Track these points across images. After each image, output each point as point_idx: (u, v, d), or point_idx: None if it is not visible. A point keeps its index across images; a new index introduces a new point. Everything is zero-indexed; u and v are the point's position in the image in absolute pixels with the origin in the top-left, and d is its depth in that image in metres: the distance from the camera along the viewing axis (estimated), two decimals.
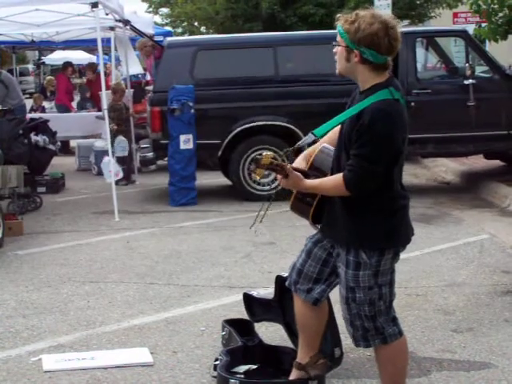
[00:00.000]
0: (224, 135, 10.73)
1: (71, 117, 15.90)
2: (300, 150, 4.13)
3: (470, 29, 13.22)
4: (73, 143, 15.92)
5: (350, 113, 3.83)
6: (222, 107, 10.82)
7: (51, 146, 11.49)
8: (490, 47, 15.81)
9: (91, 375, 4.94)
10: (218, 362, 4.75)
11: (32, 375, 4.97)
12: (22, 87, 21.41)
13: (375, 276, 3.94)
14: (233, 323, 5.24)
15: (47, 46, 21.80)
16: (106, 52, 16.59)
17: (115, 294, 6.65)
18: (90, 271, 7.39)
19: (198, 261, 7.69)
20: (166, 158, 11.19)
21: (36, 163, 10.97)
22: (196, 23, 31.20)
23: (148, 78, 14.17)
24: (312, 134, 3.98)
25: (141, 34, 13.16)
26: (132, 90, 13.32)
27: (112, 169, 10.27)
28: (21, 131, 10.52)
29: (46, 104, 18.36)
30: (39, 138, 11.20)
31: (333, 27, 3.98)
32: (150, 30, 14.82)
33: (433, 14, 25.33)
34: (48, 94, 20.41)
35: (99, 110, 14.22)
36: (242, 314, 5.42)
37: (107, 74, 17.24)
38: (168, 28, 27.64)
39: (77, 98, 19.05)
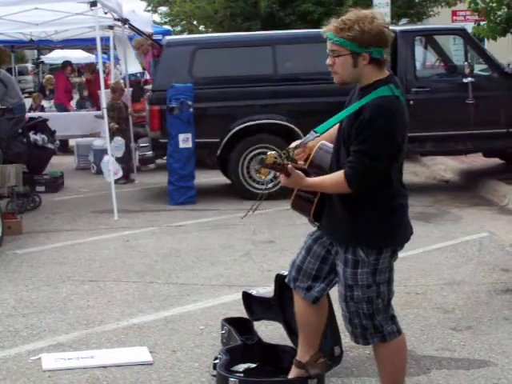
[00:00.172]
0: (223, 134, 10.73)
1: (70, 116, 15.91)
2: None
3: (469, 27, 13.23)
4: (72, 142, 15.91)
5: (351, 109, 3.82)
6: (221, 106, 10.82)
7: (50, 145, 11.51)
8: (489, 45, 15.83)
9: (90, 374, 4.95)
10: (217, 361, 4.75)
11: (31, 374, 4.97)
12: (21, 86, 21.36)
13: (373, 274, 3.94)
14: (232, 322, 5.24)
15: (46, 45, 21.79)
16: (105, 51, 16.58)
17: (114, 292, 6.65)
18: (90, 270, 7.39)
19: (198, 259, 7.69)
20: (164, 157, 11.20)
21: (35, 162, 10.97)
22: (195, 22, 31.16)
23: (147, 76, 14.17)
24: (314, 131, 3.97)
25: (139, 32, 13.15)
26: (131, 88, 13.32)
27: (111, 168, 10.27)
28: (20, 130, 10.52)
29: (45, 103, 18.36)
30: (38, 137, 11.21)
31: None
32: (148, 29, 14.81)
33: (431, 13, 25.32)
34: (47, 92, 20.42)
35: (98, 108, 14.22)
36: (241, 312, 5.43)
37: (106, 73, 17.25)
38: (167, 27, 27.60)
39: (76, 96, 19.06)
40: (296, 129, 10.56)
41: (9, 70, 18.66)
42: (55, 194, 11.52)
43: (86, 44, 19.61)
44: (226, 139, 10.74)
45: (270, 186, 10.01)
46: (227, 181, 11.52)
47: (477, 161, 12.84)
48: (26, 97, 16.65)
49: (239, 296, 5.42)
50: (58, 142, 12.55)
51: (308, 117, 10.27)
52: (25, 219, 9.31)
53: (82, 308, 6.25)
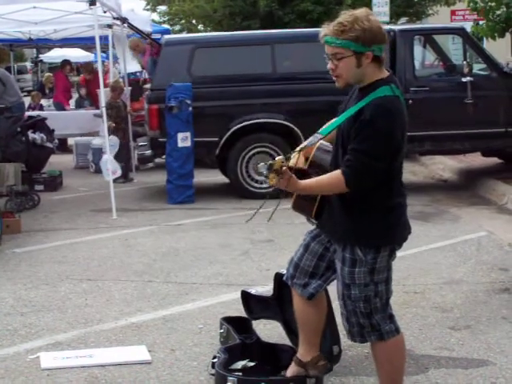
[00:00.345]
0: (222, 133, 10.73)
1: (69, 115, 15.90)
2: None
3: (468, 26, 13.25)
4: (70, 141, 15.92)
5: (353, 110, 3.82)
6: (220, 105, 10.82)
7: (49, 144, 11.51)
8: (488, 45, 15.82)
9: (89, 373, 4.94)
10: (216, 360, 4.75)
11: (30, 373, 4.97)
12: (20, 85, 21.38)
13: (371, 273, 3.94)
14: (231, 321, 5.24)
15: (45, 44, 21.77)
16: (104, 50, 16.57)
17: (113, 291, 6.65)
18: (88, 269, 7.39)
19: (196, 258, 7.69)
20: (163, 156, 11.19)
21: (34, 161, 10.98)
22: (194, 21, 31.19)
23: (145, 75, 14.16)
24: (318, 133, 3.96)
25: (138, 31, 13.14)
26: (130, 87, 13.32)
27: (110, 167, 10.27)
28: (18, 129, 10.52)
29: (43, 102, 18.35)
30: (37, 136, 11.21)
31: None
32: (147, 28, 14.80)
33: (430, 12, 25.34)
34: (47, 90, 20.41)
35: (97, 107, 14.22)
36: (239, 311, 5.43)
37: (105, 72, 17.23)
38: (166, 26, 27.62)
39: (75, 95, 19.04)
40: (295, 128, 10.57)
41: (8, 69, 18.65)
42: (54, 193, 11.52)
43: (85, 43, 19.58)
44: (224, 138, 10.74)
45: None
46: (226, 180, 11.52)
47: (475, 160, 12.85)
48: (24, 95, 16.64)
49: (238, 295, 5.42)
50: (56, 140, 12.54)
51: (307, 116, 10.29)
52: (23, 218, 9.30)
53: (80, 307, 6.25)
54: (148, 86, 11.96)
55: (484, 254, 7.63)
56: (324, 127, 4.14)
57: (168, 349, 5.32)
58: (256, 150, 10.85)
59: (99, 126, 13.47)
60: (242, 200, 10.63)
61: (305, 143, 4.03)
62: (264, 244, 8.16)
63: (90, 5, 9.93)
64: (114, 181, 10.40)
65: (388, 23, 18.19)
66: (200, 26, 31.38)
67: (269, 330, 5.49)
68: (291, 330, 4.92)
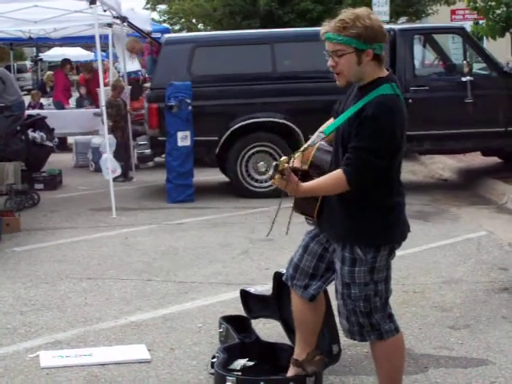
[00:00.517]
0: (221, 132, 10.73)
1: (69, 113, 15.89)
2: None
3: (468, 26, 13.25)
4: (70, 140, 15.92)
5: (354, 108, 3.81)
6: (220, 104, 10.82)
7: (49, 143, 11.51)
8: (488, 44, 15.82)
9: (88, 372, 4.94)
10: (215, 359, 4.75)
11: (29, 372, 4.97)
12: (20, 84, 21.36)
13: (371, 272, 3.94)
14: (230, 320, 5.24)
15: (45, 43, 21.78)
16: (104, 49, 16.57)
17: (112, 290, 6.65)
18: (88, 268, 7.39)
19: (196, 257, 7.69)
20: (163, 155, 11.19)
21: (33, 160, 10.98)
22: (194, 20, 31.20)
23: (144, 74, 14.15)
24: (321, 133, 3.96)
25: (138, 30, 13.15)
26: (130, 86, 13.31)
27: (110, 166, 10.27)
28: (18, 128, 10.52)
29: (43, 101, 18.35)
30: (37, 135, 11.21)
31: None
32: (147, 27, 14.80)
33: (430, 11, 25.35)
34: (48, 89, 20.40)
35: (97, 106, 14.22)
36: (239, 310, 5.43)
37: (104, 71, 17.22)
38: (166, 25, 27.63)
39: (75, 94, 19.04)
40: (294, 127, 10.57)
41: (7, 68, 18.66)
42: (54, 192, 11.52)
43: (85, 42, 19.60)
44: (224, 137, 10.74)
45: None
46: (226, 179, 11.53)
47: (475, 159, 12.85)
48: (24, 94, 16.62)
49: (237, 294, 5.42)
50: (56, 139, 12.54)
51: (306, 115, 10.28)
52: (23, 217, 9.30)
53: (80, 306, 6.25)
54: (148, 84, 11.97)
55: (484, 254, 7.63)
56: (324, 126, 4.14)
57: (167, 348, 5.32)
58: (256, 149, 10.86)
59: (99, 125, 13.47)
60: (241, 199, 10.64)
61: (308, 143, 4.02)
62: (263, 243, 8.16)
63: (90, 3, 9.93)
64: (114, 180, 10.40)
65: (388, 22, 18.20)
66: (200, 25, 31.38)
67: (268, 329, 5.49)
68: (290, 329, 4.91)
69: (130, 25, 12.71)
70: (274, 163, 3.67)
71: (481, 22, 13.53)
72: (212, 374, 4.70)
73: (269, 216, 9.14)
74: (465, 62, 10.80)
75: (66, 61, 18.29)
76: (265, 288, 5.73)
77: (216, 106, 10.83)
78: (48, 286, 6.82)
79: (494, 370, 4.86)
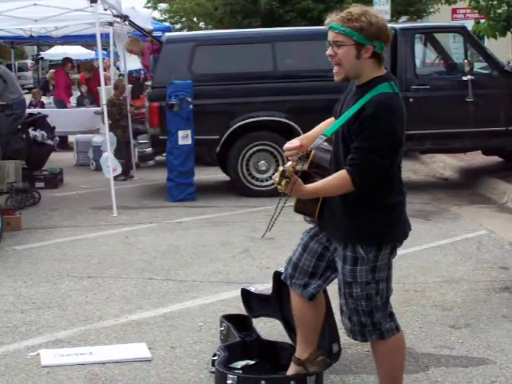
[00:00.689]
0: (222, 131, 10.72)
1: (70, 112, 15.90)
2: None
3: (469, 25, 13.24)
4: (71, 138, 15.92)
5: (355, 108, 3.81)
6: (221, 103, 10.82)
7: (49, 141, 11.50)
8: (489, 43, 15.83)
9: (89, 370, 4.95)
10: (216, 358, 4.75)
11: (30, 370, 4.97)
12: (21, 82, 21.34)
13: (372, 271, 3.94)
14: (231, 319, 5.24)
15: (46, 41, 21.76)
16: (105, 47, 16.58)
17: (113, 289, 6.65)
18: (88, 266, 7.40)
19: (196, 256, 7.70)
20: (164, 154, 11.19)
21: (34, 158, 10.97)
22: (195, 19, 31.17)
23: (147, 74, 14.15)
24: (323, 135, 3.94)
25: (139, 29, 13.15)
26: (130, 85, 13.31)
27: (110, 164, 10.27)
28: (19, 126, 10.51)
29: (44, 99, 18.35)
30: (37, 133, 11.20)
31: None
32: (148, 26, 14.80)
33: (431, 10, 25.33)
34: (51, 87, 20.40)
35: (98, 105, 14.22)
36: (240, 309, 5.43)
37: (104, 69, 17.23)
38: (167, 23, 27.61)
39: (76, 93, 19.05)
40: (295, 126, 10.56)
41: (8, 66, 18.65)
42: (54, 191, 11.52)
43: (86, 40, 19.59)
44: (225, 136, 10.74)
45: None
46: (226, 178, 11.53)
47: (476, 159, 12.84)
48: (25, 93, 16.64)
49: (238, 293, 5.42)
50: (57, 138, 12.54)
51: (307, 114, 10.28)
52: (24, 215, 9.30)
53: (80, 304, 6.25)
54: (149, 83, 11.97)
55: (484, 253, 7.63)
56: (322, 126, 4.15)
57: (168, 346, 5.33)
58: (257, 148, 10.86)
59: (100, 124, 13.48)
60: (242, 198, 10.64)
61: (311, 146, 3.99)
62: (264, 242, 8.16)
63: (91, 2, 9.93)
64: (115, 178, 10.41)
65: (389, 21, 18.18)
66: (201, 24, 31.36)
67: (269, 328, 5.50)
68: (291, 327, 4.92)
69: (131, 23, 12.70)
70: (281, 169, 3.65)
71: (482, 21, 13.53)
72: (213, 372, 4.70)
73: (269, 215, 9.14)
74: (466, 61, 10.79)
75: (67, 59, 18.28)
76: (265, 287, 5.74)
77: (217, 104, 10.83)
78: (49, 284, 6.83)
79: (494, 369, 4.86)
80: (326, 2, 22.57)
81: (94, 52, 27.90)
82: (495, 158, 12.50)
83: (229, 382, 4.42)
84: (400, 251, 4.10)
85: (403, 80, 10.49)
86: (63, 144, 15.76)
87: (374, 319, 4.01)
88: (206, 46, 11.05)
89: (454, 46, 14.06)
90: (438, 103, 10.75)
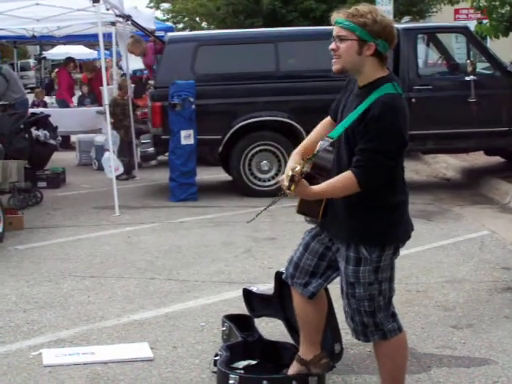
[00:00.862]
0: (225, 131, 10.73)
1: (72, 112, 15.92)
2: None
3: (472, 25, 13.23)
4: (73, 138, 15.92)
5: (360, 109, 3.81)
6: (223, 103, 10.82)
7: (52, 141, 11.51)
8: (491, 44, 15.81)
9: (91, 370, 4.95)
10: (218, 358, 4.75)
11: (32, 369, 4.97)
12: (23, 82, 21.39)
13: (375, 272, 3.94)
14: (233, 318, 5.24)
15: (48, 41, 21.79)
16: (107, 47, 16.59)
17: (115, 288, 6.66)
18: (91, 266, 7.40)
19: (199, 256, 7.70)
20: (166, 154, 11.19)
21: (37, 158, 10.98)
22: (197, 19, 31.18)
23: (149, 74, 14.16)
24: (328, 137, 3.93)
25: (142, 29, 13.15)
26: (133, 85, 13.31)
27: (112, 164, 10.27)
28: (22, 126, 10.52)
29: (47, 99, 18.35)
30: (40, 133, 11.21)
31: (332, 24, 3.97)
32: (151, 26, 14.80)
33: (434, 9, 25.32)
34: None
35: (101, 105, 14.22)
36: (242, 309, 5.42)
37: (106, 69, 17.24)
38: (169, 23, 27.61)
39: (78, 93, 19.06)
40: (298, 126, 10.56)
41: (11, 66, 18.68)
42: (57, 190, 11.53)
43: (88, 40, 19.61)
44: (227, 136, 10.74)
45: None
46: (229, 178, 11.52)
47: (478, 159, 12.84)
48: (28, 92, 16.64)
49: (240, 293, 5.41)
50: (59, 137, 12.55)
51: (310, 114, 10.23)
52: (26, 215, 9.31)
53: (82, 304, 6.26)
54: (152, 82, 11.97)
55: (487, 253, 7.63)
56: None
57: (170, 346, 5.33)
58: (259, 148, 10.86)
59: (102, 123, 13.48)
60: (244, 198, 10.64)
61: (317, 148, 3.97)
62: (266, 242, 8.16)
63: (94, 2, 9.93)
64: (117, 178, 10.41)
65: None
66: (203, 24, 31.37)
67: (271, 328, 5.49)
68: (293, 327, 4.92)
69: (134, 23, 12.71)
70: (290, 173, 3.64)
71: (484, 21, 13.50)
72: (215, 372, 4.70)
73: (272, 215, 9.15)
74: (468, 61, 10.79)
75: (70, 59, 18.28)
76: (267, 287, 5.74)
77: (219, 104, 10.83)
78: (51, 284, 6.83)
79: (496, 370, 4.86)
80: (328, 2, 22.55)
81: (96, 52, 27.94)
82: (497, 159, 12.49)
83: (231, 381, 4.42)
84: (402, 251, 4.10)
85: (406, 80, 10.48)
86: (65, 144, 15.76)
87: (377, 319, 4.01)
88: (208, 45, 11.05)
89: (457, 46, 14.05)
90: (441, 103, 10.75)
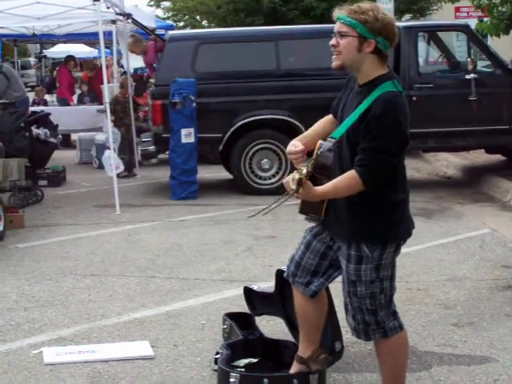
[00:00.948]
0: (225, 129, 10.72)
1: (72, 110, 15.91)
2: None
3: (472, 23, 13.22)
4: (74, 136, 15.92)
5: (362, 108, 3.80)
6: (224, 101, 10.81)
7: (52, 140, 11.51)
8: (492, 42, 15.80)
9: (92, 368, 4.95)
10: (218, 356, 4.75)
11: (33, 368, 4.97)
12: (24, 80, 21.38)
13: (377, 270, 3.94)
14: (233, 317, 5.24)
15: (49, 40, 21.77)
16: (108, 45, 16.59)
17: (116, 287, 6.66)
18: (91, 264, 7.40)
19: (199, 254, 7.70)
20: (167, 152, 11.19)
21: (37, 156, 10.98)
22: (198, 17, 31.16)
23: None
24: (331, 137, 3.93)
25: (142, 27, 13.15)
26: (134, 83, 13.31)
27: (112, 162, 10.27)
28: (22, 124, 10.52)
29: (47, 97, 18.35)
30: (40, 131, 11.21)
31: (335, 21, 3.97)
32: (151, 24, 14.80)
33: (435, 8, 25.31)
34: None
35: (101, 103, 14.22)
36: (242, 307, 5.42)
37: (107, 67, 17.22)
38: (170, 21, 27.59)
39: (79, 91, 19.06)
40: (298, 124, 10.55)
41: (11, 64, 18.67)
42: (57, 189, 11.53)
43: (89, 38, 19.60)
44: (228, 134, 10.74)
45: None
46: (229, 176, 11.53)
47: (479, 157, 12.84)
48: (28, 91, 16.64)
49: (241, 291, 5.41)
50: (60, 136, 12.55)
51: (311, 112, 10.19)
52: (27, 213, 9.31)
53: (83, 302, 6.26)
54: (152, 80, 11.97)
55: (487, 251, 7.63)
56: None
57: (171, 344, 5.33)
58: (259, 147, 10.86)
59: (102, 122, 13.48)
60: (245, 196, 10.63)
61: (320, 149, 3.96)
62: (267, 240, 8.16)
63: (94, 0, 9.93)
64: (117, 175, 10.41)
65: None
66: (204, 22, 31.35)
67: (271, 326, 5.49)
68: (294, 326, 4.92)
69: (134, 21, 12.70)
70: (298, 177, 3.63)
71: (485, 19, 13.50)
72: (215, 370, 4.70)
73: (272, 213, 9.15)
74: (469, 59, 10.79)
75: (70, 57, 18.27)
76: (268, 285, 5.73)
77: (220, 103, 10.83)
78: (52, 282, 6.83)
79: (497, 368, 4.86)
80: (328, 1, 22.52)
81: (96, 50, 27.93)
82: (498, 157, 12.49)
83: (231, 380, 4.41)
84: (403, 250, 4.10)
85: (406, 78, 10.48)
86: (66, 142, 15.77)
87: (378, 318, 4.01)
88: (209, 44, 11.04)
89: (458, 44, 14.04)
90: (441, 101, 10.75)
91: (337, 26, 3.87)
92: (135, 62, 13.96)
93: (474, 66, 10.68)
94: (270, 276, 5.73)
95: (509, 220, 8.99)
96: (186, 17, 32.35)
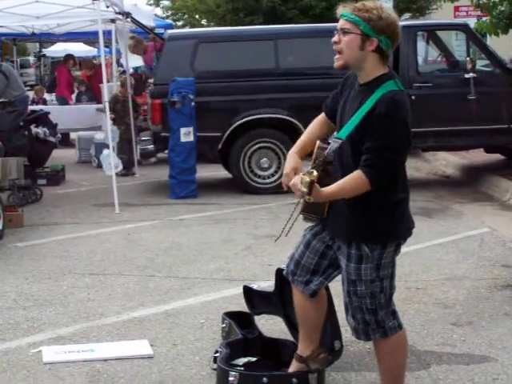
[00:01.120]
0: (224, 128, 10.72)
1: (72, 109, 15.90)
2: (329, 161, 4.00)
3: (472, 23, 13.22)
4: (73, 135, 15.92)
5: (366, 108, 3.80)
6: (223, 100, 10.82)
7: (51, 138, 11.50)
8: (491, 41, 15.81)
9: (91, 367, 4.95)
10: (217, 355, 4.75)
11: (32, 367, 4.97)
12: (23, 79, 21.35)
13: (377, 269, 3.93)
14: (233, 316, 5.24)
15: (48, 39, 21.77)
16: (107, 44, 16.58)
17: (115, 286, 6.66)
18: (90, 263, 7.40)
19: (199, 253, 7.70)
20: (166, 151, 11.19)
21: (36, 155, 10.97)
22: (197, 16, 31.17)
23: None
24: (337, 138, 3.92)
25: (141, 26, 13.14)
26: (133, 82, 13.30)
27: (112, 161, 10.27)
28: (21, 123, 10.52)
29: (47, 96, 18.35)
30: (40, 130, 11.21)
31: (334, 20, 3.97)
32: (151, 23, 14.79)
33: (434, 7, 25.32)
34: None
35: (100, 102, 14.21)
36: (242, 306, 5.42)
37: (106, 66, 17.21)
38: (169, 20, 27.60)
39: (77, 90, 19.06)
40: (298, 123, 10.55)
41: (11, 63, 18.65)
42: (56, 188, 11.53)
43: (88, 37, 19.60)
44: (227, 133, 10.74)
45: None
46: (228, 175, 11.53)
47: (478, 156, 12.84)
48: (27, 90, 16.63)
49: (240, 290, 5.42)
50: (59, 135, 12.54)
51: (310, 111, 10.17)
52: (26, 212, 9.31)
53: (82, 301, 6.26)
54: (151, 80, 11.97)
55: (486, 251, 7.63)
56: (342, 130, 4.13)
57: (170, 343, 5.33)
58: (259, 146, 10.86)
59: (102, 121, 13.47)
60: (244, 195, 10.64)
61: (326, 151, 3.94)
62: (266, 239, 8.16)
63: None
64: (116, 173, 10.41)
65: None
66: (203, 21, 31.35)
67: (271, 325, 5.49)
68: (293, 325, 4.92)
69: (134, 20, 12.69)
70: (308, 180, 3.62)
71: (484, 18, 13.50)
72: (214, 369, 4.70)
73: (271, 212, 9.15)
74: (468, 58, 10.79)
75: (69, 56, 18.28)
76: (267, 284, 5.74)
77: (219, 101, 10.83)
78: (51, 281, 6.83)
79: (496, 367, 4.86)
80: (328, 0, 22.56)
81: (96, 49, 27.92)
82: (497, 156, 12.49)
83: (230, 378, 4.41)
84: (402, 249, 4.09)
85: (405, 77, 10.48)
86: (65, 141, 15.76)
87: (378, 317, 4.01)
88: (208, 43, 11.04)
89: (457, 43, 14.04)
90: (440, 101, 10.75)
91: (340, 23, 3.87)
92: (135, 61, 13.97)
93: (473, 65, 10.68)
94: (270, 275, 5.74)
95: (508, 219, 8.99)
96: (185, 16, 32.38)
